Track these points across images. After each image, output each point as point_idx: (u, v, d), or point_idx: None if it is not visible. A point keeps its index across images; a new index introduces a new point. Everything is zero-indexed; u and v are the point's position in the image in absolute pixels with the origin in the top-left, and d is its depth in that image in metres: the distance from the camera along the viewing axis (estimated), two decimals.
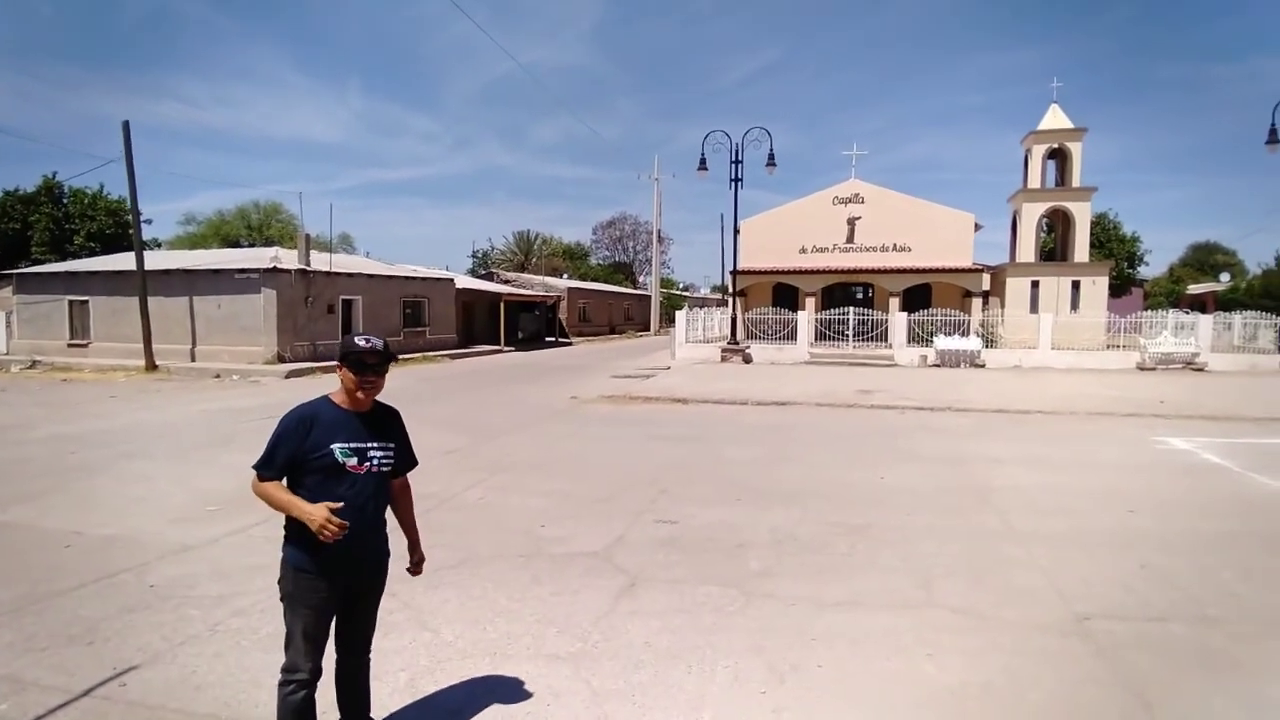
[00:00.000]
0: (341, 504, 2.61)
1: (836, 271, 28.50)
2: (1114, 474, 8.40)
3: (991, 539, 5.95)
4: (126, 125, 21.31)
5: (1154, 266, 62.30)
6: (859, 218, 28.69)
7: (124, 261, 24.98)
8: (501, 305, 35.82)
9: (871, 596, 4.75)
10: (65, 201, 37.75)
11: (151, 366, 21.48)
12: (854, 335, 24.45)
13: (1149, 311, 25.17)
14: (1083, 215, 27.43)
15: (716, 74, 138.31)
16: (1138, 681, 3.64)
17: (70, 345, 25.28)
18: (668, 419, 12.72)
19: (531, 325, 40.87)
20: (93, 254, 33.56)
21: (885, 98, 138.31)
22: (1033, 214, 27.63)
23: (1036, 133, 27.32)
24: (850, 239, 28.84)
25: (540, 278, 49.29)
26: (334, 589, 2.72)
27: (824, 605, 4.60)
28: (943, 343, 22.30)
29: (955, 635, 4.16)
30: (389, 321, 27.79)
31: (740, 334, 24.97)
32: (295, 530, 2.69)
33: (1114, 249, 44.43)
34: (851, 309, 24.81)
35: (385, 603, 4.47)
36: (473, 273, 52.35)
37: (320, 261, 25.04)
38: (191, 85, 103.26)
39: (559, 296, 43.81)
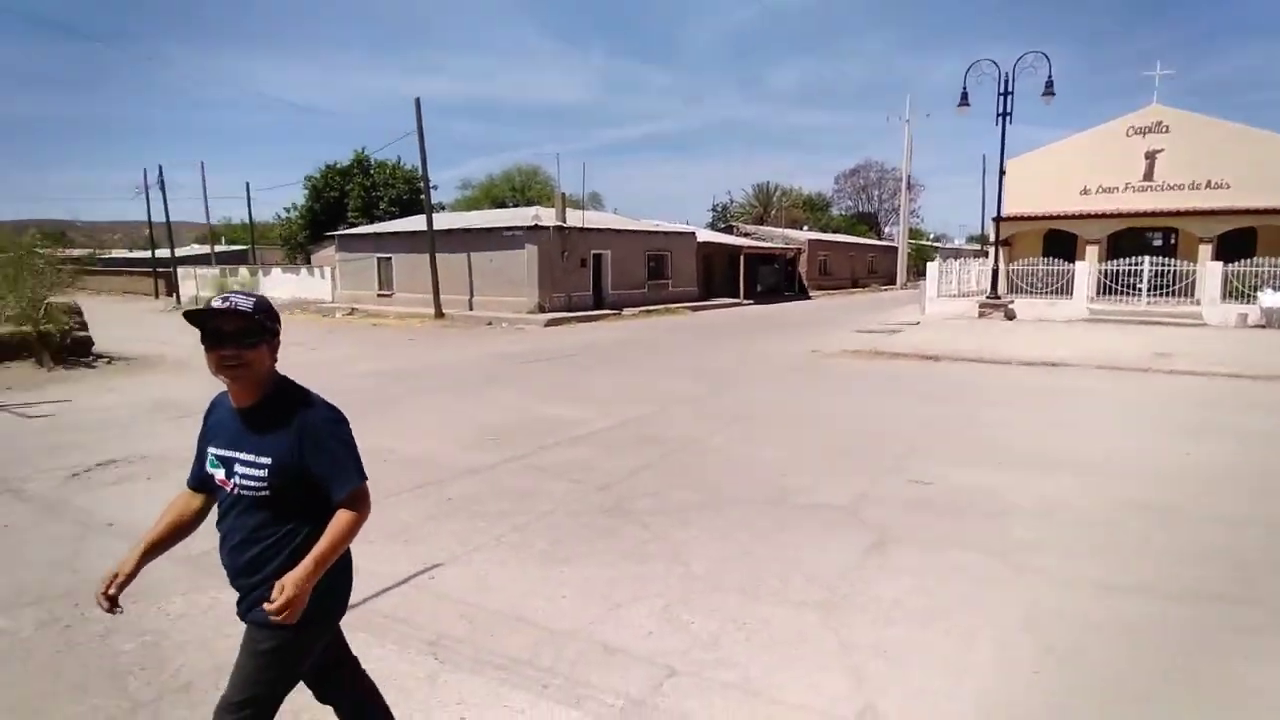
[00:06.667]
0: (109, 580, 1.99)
1: (1128, 215, 24.43)
2: None
3: None
4: (418, 102, 24.33)
5: None
6: (1161, 150, 24.23)
7: (417, 223, 28.80)
8: (741, 258, 35.90)
9: (1163, 585, 4.14)
10: (372, 172, 44.22)
11: (439, 314, 24.78)
12: (1148, 289, 21.01)
13: None
14: None
15: None
16: None
17: (379, 295, 29.94)
18: (917, 376, 11.98)
19: (770, 278, 40.49)
20: (394, 217, 39.11)
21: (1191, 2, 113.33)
22: None
23: None
24: (1148, 176, 24.52)
25: (780, 230, 48.46)
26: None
27: (1109, 588, 4.10)
28: (1271, 299, 18.34)
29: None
30: (634, 275, 29.23)
31: (1002, 287, 22.62)
32: None
33: None
34: (1146, 258, 21.26)
35: (639, 534, 4.90)
36: (712, 226, 52.83)
37: (574, 219, 26.89)
38: (457, 61, 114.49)
39: (799, 249, 42.85)
